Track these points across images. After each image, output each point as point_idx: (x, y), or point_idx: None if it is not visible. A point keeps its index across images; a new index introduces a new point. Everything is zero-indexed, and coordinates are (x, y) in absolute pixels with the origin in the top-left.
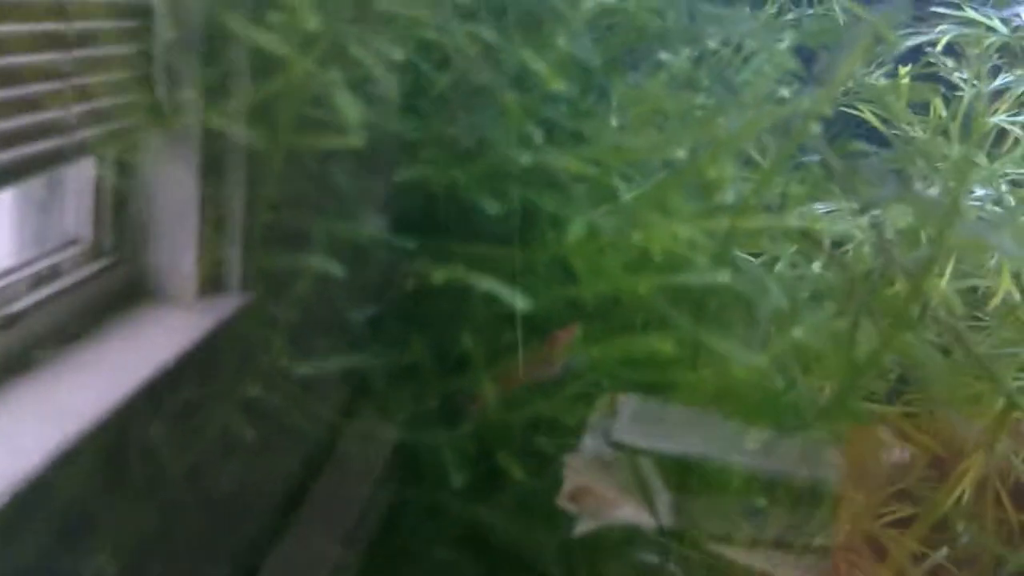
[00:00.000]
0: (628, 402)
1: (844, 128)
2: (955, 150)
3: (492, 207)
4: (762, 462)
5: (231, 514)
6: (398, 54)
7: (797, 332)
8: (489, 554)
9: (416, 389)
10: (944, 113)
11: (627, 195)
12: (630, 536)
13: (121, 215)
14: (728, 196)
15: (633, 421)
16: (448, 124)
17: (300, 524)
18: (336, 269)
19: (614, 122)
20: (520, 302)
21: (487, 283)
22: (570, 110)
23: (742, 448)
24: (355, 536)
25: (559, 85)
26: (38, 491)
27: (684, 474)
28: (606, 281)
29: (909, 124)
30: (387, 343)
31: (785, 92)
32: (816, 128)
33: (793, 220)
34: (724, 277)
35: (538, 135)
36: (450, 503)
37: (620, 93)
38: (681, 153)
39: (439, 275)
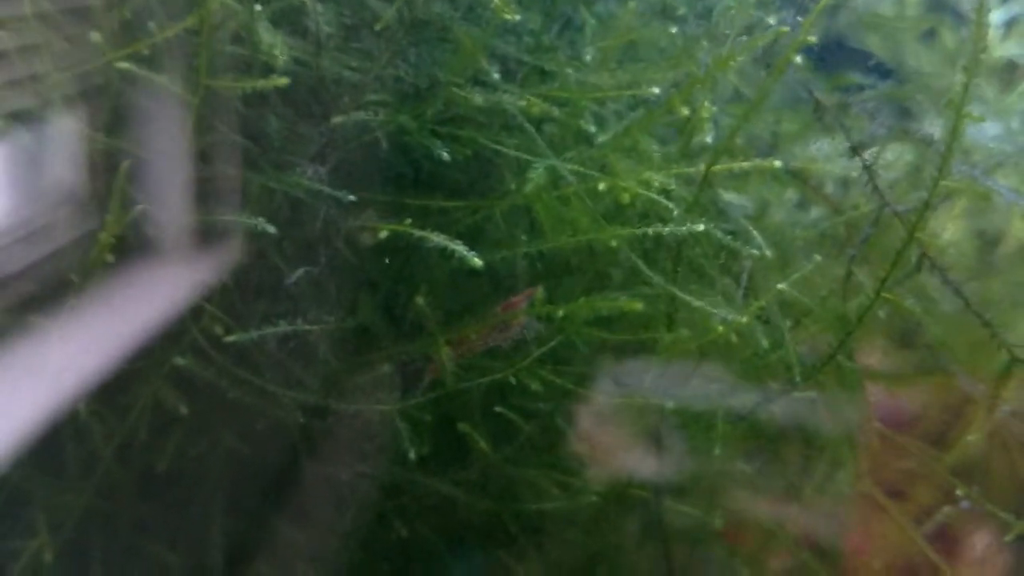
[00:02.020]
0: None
1: (847, 60)
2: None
3: (444, 153)
4: (756, 422)
5: (181, 501)
6: None
7: (783, 285)
8: (462, 527)
9: (367, 356)
10: (952, 44)
11: (598, 138)
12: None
13: (113, 172)
14: (707, 137)
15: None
16: (394, 61)
17: (265, 512)
18: (269, 227)
19: (586, 57)
20: (477, 259)
21: (439, 238)
22: (531, 44)
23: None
24: (325, 519)
25: (514, 16)
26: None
27: (693, 424)
28: (572, 233)
29: (916, 56)
30: (333, 308)
31: (771, 20)
32: (799, 59)
33: (779, 161)
34: (701, 226)
35: (494, 72)
36: (415, 480)
37: (587, 24)
38: (655, 90)
39: (386, 230)
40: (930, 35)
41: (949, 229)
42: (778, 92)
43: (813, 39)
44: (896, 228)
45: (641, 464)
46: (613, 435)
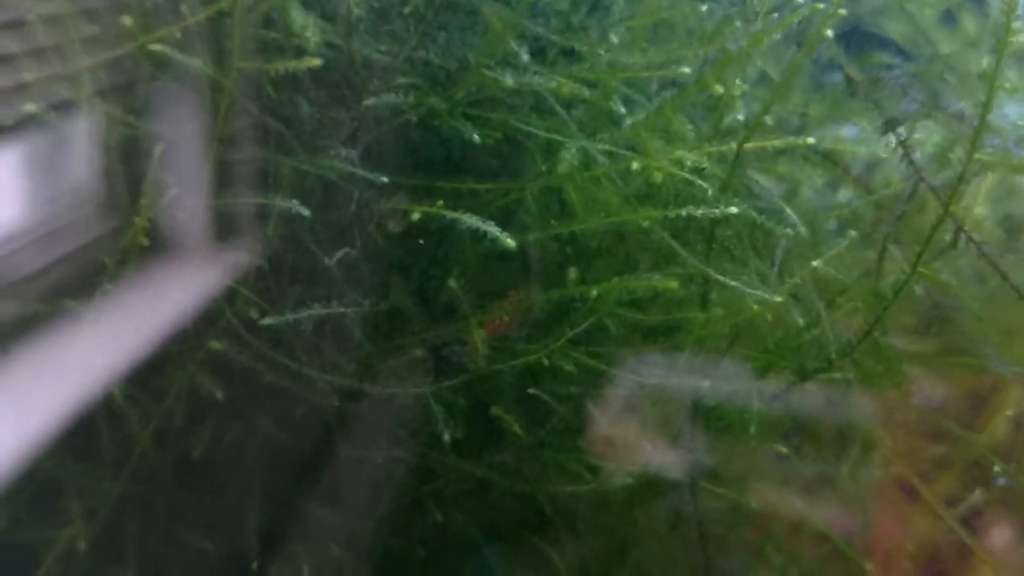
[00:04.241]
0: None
1: (865, 45)
2: (984, 63)
3: (475, 136)
4: (790, 405)
5: (217, 486)
6: None
7: (817, 263)
8: (498, 509)
9: (400, 339)
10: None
11: (626, 119)
12: (649, 483)
13: (130, 171)
14: (739, 116)
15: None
16: (425, 44)
17: (301, 495)
18: (302, 209)
19: (613, 38)
20: (509, 241)
21: (471, 221)
22: (560, 25)
23: (768, 390)
24: (360, 502)
25: None
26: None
27: (711, 418)
28: (604, 214)
29: (935, 40)
30: (366, 291)
31: None
32: (830, 34)
33: (811, 140)
34: (734, 208)
35: (524, 54)
36: (450, 463)
37: (616, 4)
38: (686, 70)
39: (418, 213)
40: (948, 20)
41: (975, 211)
42: (805, 75)
43: (843, 11)
44: (927, 207)
45: (671, 449)
46: (643, 419)
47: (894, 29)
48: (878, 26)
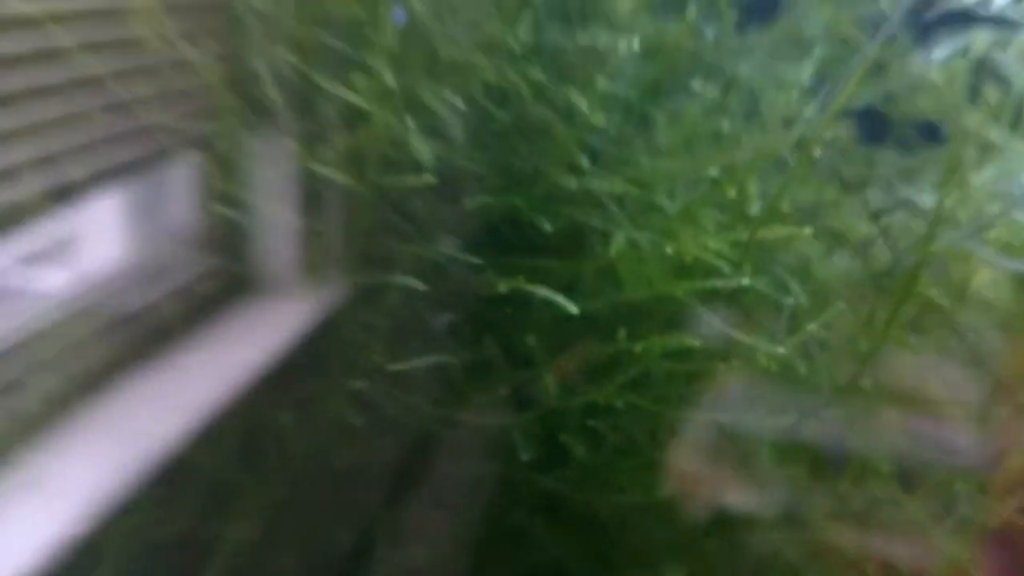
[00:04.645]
0: (737, 385)
1: (890, 122)
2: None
3: (548, 226)
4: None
5: (347, 492)
6: (461, 101)
7: (812, 327)
8: (570, 524)
9: (489, 382)
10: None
11: (667, 211)
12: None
13: (227, 215)
14: (754, 208)
15: (741, 403)
16: (509, 156)
17: (412, 500)
18: (418, 284)
19: (657, 146)
20: (573, 307)
21: (544, 292)
22: (614, 138)
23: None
24: (458, 506)
25: (599, 121)
26: (165, 478)
27: (792, 456)
28: (647, 287)
29: (961, 114)
30: (464, 345)
31: (807, 111)
32: (821, 149)
33: (808, 231)
34: (745, 281)
35: (585, 162)
36: (527, 477)
37: (659, 121)
38: (714, 172)
39: (504, 286)
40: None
41: (984, 273)
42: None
43: (838, 133)
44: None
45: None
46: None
47: (923, 103)
48: (908, 100)
